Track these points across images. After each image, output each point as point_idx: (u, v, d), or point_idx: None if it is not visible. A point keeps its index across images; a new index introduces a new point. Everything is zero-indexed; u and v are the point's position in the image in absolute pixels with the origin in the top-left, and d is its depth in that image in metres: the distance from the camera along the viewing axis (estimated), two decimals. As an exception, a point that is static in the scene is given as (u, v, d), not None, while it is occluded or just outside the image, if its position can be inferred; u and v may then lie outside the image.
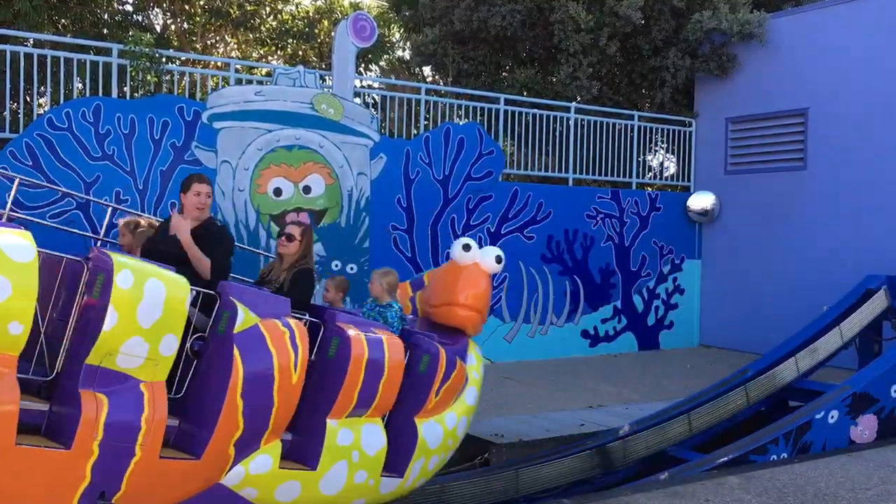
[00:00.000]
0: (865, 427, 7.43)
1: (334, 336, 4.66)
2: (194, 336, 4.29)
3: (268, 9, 16.40)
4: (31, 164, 7.97)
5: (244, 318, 4.22)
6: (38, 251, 3.58)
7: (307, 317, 4.75)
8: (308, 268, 5.33)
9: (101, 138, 8.33)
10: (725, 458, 6.47)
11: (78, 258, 4.00)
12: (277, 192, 9.29)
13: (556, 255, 11.60)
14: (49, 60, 8.58)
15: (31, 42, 10.25)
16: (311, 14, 16.63)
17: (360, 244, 9.81)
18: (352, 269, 9.74)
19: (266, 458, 4.32)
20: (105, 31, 13.91)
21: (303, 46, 16.24)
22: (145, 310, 3.77)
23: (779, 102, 12.39)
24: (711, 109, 13.32)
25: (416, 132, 11.08)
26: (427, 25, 13.82)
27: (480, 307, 5.62)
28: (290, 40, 16.33)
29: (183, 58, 10.23)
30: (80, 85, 9.44)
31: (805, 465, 6.40)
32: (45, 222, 7.30)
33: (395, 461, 4.91)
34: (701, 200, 12.94)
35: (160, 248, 4.74)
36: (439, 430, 5.16)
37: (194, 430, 4.12)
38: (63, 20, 13.62)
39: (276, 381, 4.21)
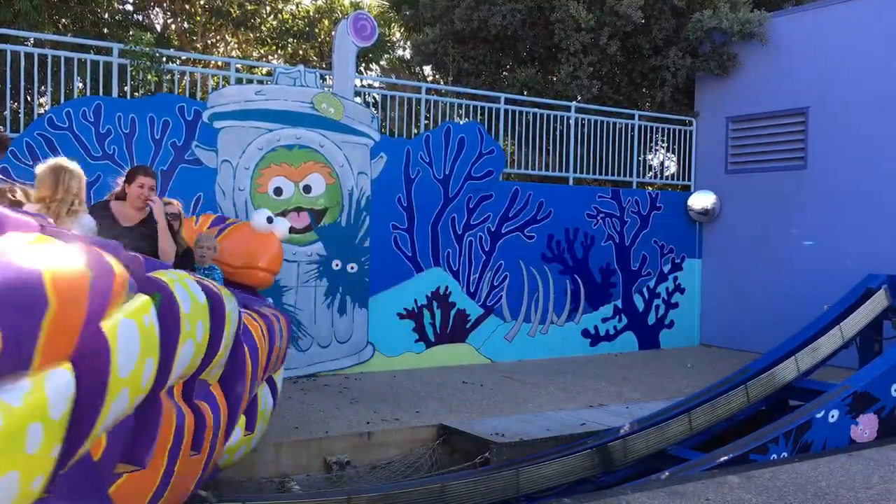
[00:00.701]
0: (866, 426, 7.43)
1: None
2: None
3: (268, 8, 16.41)
4: (31, 163, 7.96)
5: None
6: None
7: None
8: (190, 247, 5.81)
9: (101, 138, 8.34)
10: (726, 458, 6.46)
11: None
12: (278, 191, 9.30)
13: (556, 254, 11.60)
14: (49, 60, 8.58)
15: (32, 41, 10.26)
16: (311, 13, 16.64)
17: (361, 243, 9.82)
18: (352, 268, 9.74)
19: (239, 430, 4.94)
20: (105, 30, 13.92)
21: (303, 46, 16.25)
22: (231, 327, 4.24)
23: (779, 101, 12.39)
24: (712, 108, 13.32)
25: (416, 131, 11.08)
26: (427, 25, 13.82)
27: (276, 269, 6.77)
28: (290, 40, 16.33)
29: (183, 57, 10.23)
30: (80, 84, 9.45)
31: (805, 464, 6.40)
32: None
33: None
34: (701, 200, 12.94)
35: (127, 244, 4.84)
36: (280, 380, 6.04)
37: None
38: (63, 20, 13.64)
39: (259, 367, 4.88)
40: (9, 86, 8.50)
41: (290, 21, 16.56)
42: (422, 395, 8.60)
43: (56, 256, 2.07)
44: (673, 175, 13.97)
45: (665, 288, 12.79)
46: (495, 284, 10.99)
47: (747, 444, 6.68)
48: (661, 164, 14.60)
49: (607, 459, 6.84)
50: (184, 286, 3.62)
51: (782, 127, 12.45)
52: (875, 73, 11.20)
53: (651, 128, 13.22)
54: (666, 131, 13.43)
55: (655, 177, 14.00)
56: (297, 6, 16.98)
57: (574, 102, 12.41)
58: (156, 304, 3.12)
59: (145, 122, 8.57)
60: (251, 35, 16.27)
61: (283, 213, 9.30)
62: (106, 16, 14.42)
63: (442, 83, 13.94)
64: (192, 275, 4.16)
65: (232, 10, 15.51)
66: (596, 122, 12.51)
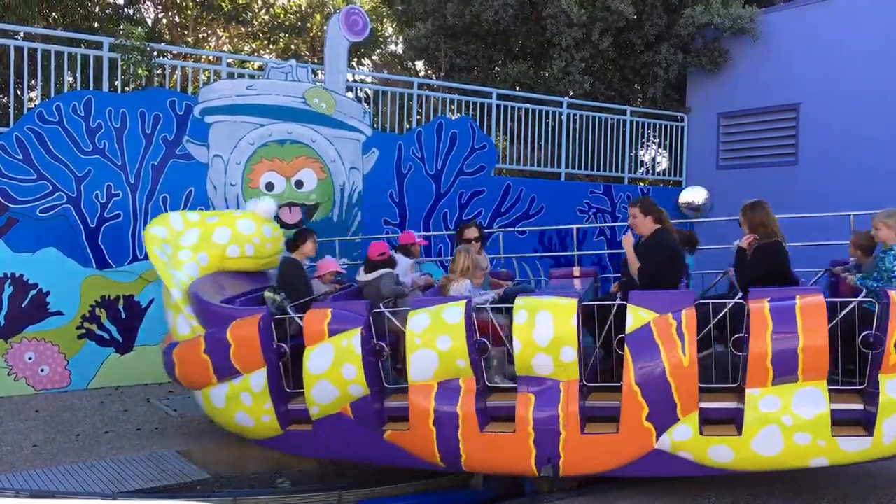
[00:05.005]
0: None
1: (746, 314, 5.10)
2: (619, 336, 5.26)
3: (260, 2, 16.36)
4: (21, 157, 7.94)
5: (634, 319, 5.16)
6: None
7: (737, 297, 5.30)
8: (768, 242, 5.84)
9: (92, 132, 8.30)
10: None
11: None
12: (269, 186, 9.28)
13: (547, 249, 11.61)
14: (40, 54, 8.54)
15: (22, 35, 10.19)
16: (303, 8, 16.59)
17: (353, 238, 9.80)
18: (343, 263, 9.72)
19: (685, 427, 5.11)
20: (96, 24, 13.85)
21: (295, 40, 16.19)
22: (540, 334, 5.12)
23: (770, 97, 12.42)
24: (703, 104, 13.34)
25: (408, 127, 11.07)
26: (420, 20, 13.81)
27: None
28: (282, 34, 16.28)
29: (174, 51, 10.18)
30: (70, 79, 9.41)
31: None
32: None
33: (866, 420, 5.07)
34: (693, 195, 12.97)
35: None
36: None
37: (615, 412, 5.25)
38: (54, 13, 13.56)
39: (666, 367, 5.03)
40: (-2, 80, 8.46)
41: (282, 15, 16.51)
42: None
43: None
44: (664, 171, 14.00)
45: (656, 283, 12.78)
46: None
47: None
48: (653, 159, 14.63)
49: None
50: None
51: (773, 123, 12.49)
52: (866, 69, 11.23)
53: (643, 123, 13.24)
54: (657, 127, 13.45)
55: (647, 172, 14.02)
56: (289, 1, 16.93)
57: (566, 98, 12.42)
58: None
59: (136, 116, 8.53)
60: (243, 29, 16.21)
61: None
62: (96, 10, 14.33)
63: (434, 78, 13.93)
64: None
65: (223, 5, 15.45)
66: (588, 117, 12.52)
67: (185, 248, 6.43)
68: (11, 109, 8.92)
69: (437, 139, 10.47)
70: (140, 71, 9.36)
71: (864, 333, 5.00)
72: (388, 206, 10.14)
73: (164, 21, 15.71)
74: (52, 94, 8.53)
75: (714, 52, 12.85)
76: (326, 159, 9.59)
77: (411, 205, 10.31)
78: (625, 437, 5.17)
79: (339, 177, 9.72)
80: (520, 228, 11.27)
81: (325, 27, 11.89)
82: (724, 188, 12.89)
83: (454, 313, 5.33)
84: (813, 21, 11.97)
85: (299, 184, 9.44)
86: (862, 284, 5.46)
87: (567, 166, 12.37)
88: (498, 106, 11.66)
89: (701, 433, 5.10)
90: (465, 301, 5.46)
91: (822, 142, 11.76)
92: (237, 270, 6.76)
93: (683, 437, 5.11)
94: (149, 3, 15.81)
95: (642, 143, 13.99)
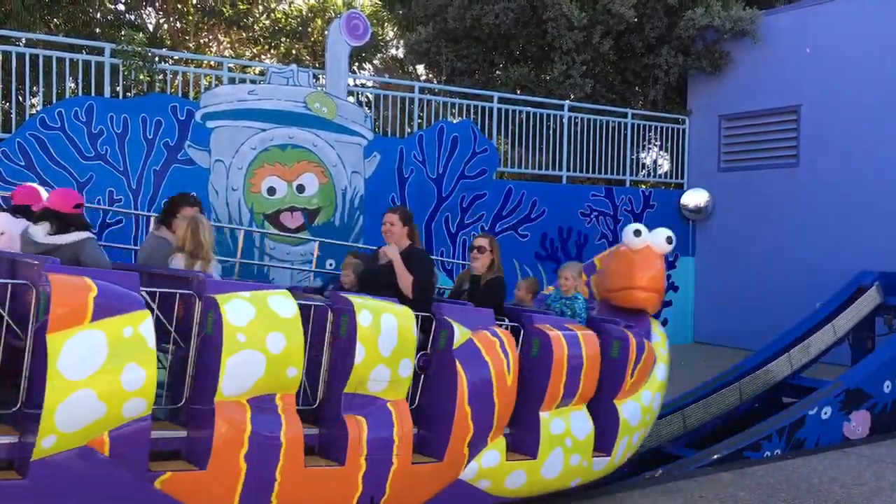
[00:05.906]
0: (858, 423, 7.45)
1: (535, 337, 5.11)
2: (418, 354, 4.77)
3: (261, 7, 16.41)
4: (23, 163, 7.95)
5: (459, 334, 4.76)
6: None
7: (507, 321, 5.23)
8: (500, 276, 5.83)
9: (93, 138, 8.32)
10: (719, 455, 6.49)
11: (323, 303, 4.55)
12: (271, 190, 9.29)
13: (550, 252, 11.61)
14: (41, 60, 8.56)
15: (24, 41, 10.22)
16: (304, 13, 16.62)
17: (355, 243, 9.80)
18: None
19: (494, 452, 4.85)
20: (97, 30, 13.89)
21: (296, 45, 16.23)
22: (384, 341, 4.36)
23: (771, 99, 12.43)
24: (704, 107, 13.35)
25: (409, 131, 11.08)
26: (420, 24, 13.82)
27: (658, 287, 6.04)
28: (283, 39, 16.32)
29: (176, 57, 10.21)
30: (72, 84, 9.43)
31: (798, 460, 6.43)
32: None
33: (603, 442, 5.36)
34: (694, 197, 12.97)
35: (374, 278, 5.36)
36: (637, 408, 5.53)
37: (434, 436, 4.72)
38: (55, 20, 13.60)
39: (494, 386, 4.74)
40: (0, 86, 8.47)
41: (282, 20, 16.55)
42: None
43: None
44: (666, 173, 13.99)
45: (658, 286, 12.77)
46: (489, 283, 10.98)
47: (741, 441, 6.70)
48: (654, 162, 14.63)
49: (601, 457, 6.83)
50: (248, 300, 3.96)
51: (775, 125, 12.49)
52: (867, 70, 11.23)
53: (644, 126, 13.24)
54: (659, 129, 13.45)
55: (648, 175, 14.03)
56: (290, 5, 16.97)
57: (567, 101, 12.43)
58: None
59: (138, 122, 8.55)
60: (244, 34, 16.24)
61: (277, 213, 9.29)
62: (98, 15, 14.38)
63: (435, 82, 13.94)
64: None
65: (224, 10, 15.48)
66: (589, 120, 12.52)
67: None
68: (13, 115, 8.94)
69: (438, 143, 10.48)
70: (141, 76, 9.38)
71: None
72: (390, 210, 10.13)
73: (166, 26, 15.75)
74: (54, 100, 8.56)
75: (715, 54, 12.86)
76: (328, 163, 9.60)
77: (413, 208, 10.24)
78: (446, 465, 4.66)
79: (341, 181, 9.72)
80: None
81: (325, 32, 11.91)
82: (725, 190, 12.89)
83: (284, 304, 4.07)
84: (813, 23, 11.97)
85: (301, 188, 9.45)
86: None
87: (568, 169, 12.37)
88: (499, 109, 11.67)
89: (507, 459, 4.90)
90: (285, 289, 4.31)
91: (824, 144, 11.76)
92: None
93: (490, 464, 4.82)
94: (150, 8, 15.86)
95: (643, 146, 13.99)
